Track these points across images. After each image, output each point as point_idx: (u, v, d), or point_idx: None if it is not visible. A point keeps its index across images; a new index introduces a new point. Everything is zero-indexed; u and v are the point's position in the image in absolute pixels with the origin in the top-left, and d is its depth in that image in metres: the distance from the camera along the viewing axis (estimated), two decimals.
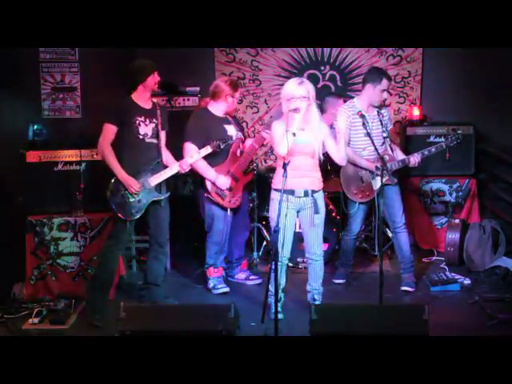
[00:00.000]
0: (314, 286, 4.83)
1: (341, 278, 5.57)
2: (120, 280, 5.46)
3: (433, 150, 5.24)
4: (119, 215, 4.73)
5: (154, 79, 4.79)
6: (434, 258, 6.15)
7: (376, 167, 5.05)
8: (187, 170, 4.91)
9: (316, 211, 4.65)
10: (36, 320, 4.74)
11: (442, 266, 5.87)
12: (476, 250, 5.77)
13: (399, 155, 5.30)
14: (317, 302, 4.77)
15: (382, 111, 5.22)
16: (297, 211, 4.70)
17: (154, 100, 4.94)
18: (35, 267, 5.26)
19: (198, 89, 6.51)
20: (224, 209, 5.26)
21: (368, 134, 4.88)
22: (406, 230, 5.33)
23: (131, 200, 4.72)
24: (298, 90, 4.50)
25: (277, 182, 4.64)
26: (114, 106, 4.88)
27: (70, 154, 5.36)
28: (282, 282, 4.75)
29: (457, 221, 5.98)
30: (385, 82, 5.17)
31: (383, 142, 5.16)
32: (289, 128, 4.48)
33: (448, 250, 5.89)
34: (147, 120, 4.77)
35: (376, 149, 4.84)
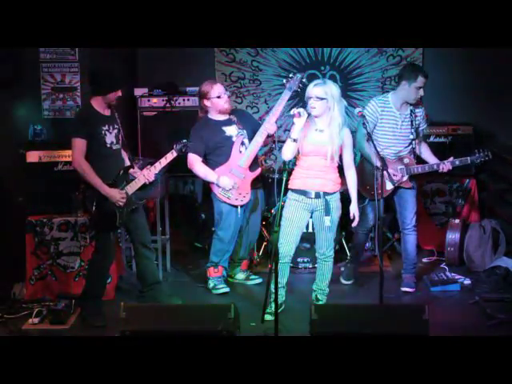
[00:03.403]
0: (320, 286, 4.84)
1: (349, 279, 5.54)
2: (120, 280, 5.46)
3: (456, 162, 5.12)
4: (106, 230, 4.73)
5: (115, 95, 4.65)
6: (434, 257, 6.15)
7: (376, 167, 5.03)
8: (153, 178, 4.83)
9: (326, 213, 4.63)
10: (36, 320, 4.74)
11: (442, 266, 5.87)
12: (476, 250, 5.78)
13: (430, 159, 5.23)
14: (320, 302, 4.78)
15: (417, 111, 5.12)
16: (310, 212, 4.71)
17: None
18: (35, 267, 5.25)
19: (197, 89, 6.50)
20: (234, 206, 5.26)
21: (368, 134, 4.85)
22: (414, 232, 5.30)
23: (116, 212, 4.68)
24: (314, 91, 4.48)
25: (291, 181, 4.69)
26: (78, 118, 4.82)
27: (70, 154, 5.33)
28: (283, 280, 4.75)
29: (457, 221, 5.97)
30: (421, 79, 5.01)
31: (409, 143, 5.11)
32: (291, 133, 4.50)
33: (448, 250, 5.89)
34: (110, 127, 4.69)
35: (376, 149, 4.81)
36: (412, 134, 5.05)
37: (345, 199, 5.96)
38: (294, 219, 4.65)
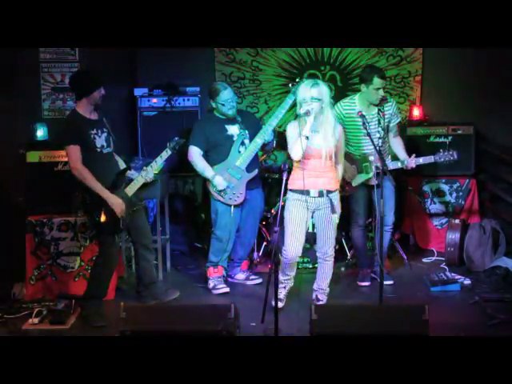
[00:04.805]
0: (321, 286, 4.85)
1: (365, 281, 5.50)
2: (120, 280, 5.46)
3: (420, 160, 5.19)
4: (111, 233, 4.74)
5: (99, 93, 4.66)
6: (434, 257, 6.15)
7: (376, 167, 5.04)
8: (151, 177, 4.88)
9: (333, 211, 4.66)
10: (36, 320, 4.74)
11: (441, 266, 5.87)
12: (476, 250, 5.77)
13: (400, 154, 5.31)
14: (320, 302, 4.78)
15: (385, 109, 5.17)
16: (312, 211, 4.72)
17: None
18: (35, 267, 5.25)
19: (198, 89, 6.52)
20: (228, 205, 5.28)
21: (368, 135, 4.86)
22: (391, 229, 5.39)
23: (119, 216, 4.69)
24: (310, 92, 4.50)
25: (291, 182, 4.70)
26: (66, 126, 4.79)
27: None
28: (292, 273, 4.84)
29: (457, 221, 5.97)
30: (376, 80, 5.07)
31: (377, 143, 5.13)
32: (302, 132, 4.50)
33: (448, 250, 5.89)
34: (98, 131, 4.70)
35: (376, 149, 4.82)
36: (379, 132, 5.08)
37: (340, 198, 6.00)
38: (297, 220, 4.66)
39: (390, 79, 6.74)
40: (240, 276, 5.66)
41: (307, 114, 4.48)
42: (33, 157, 5.35)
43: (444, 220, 6.37)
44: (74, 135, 4.61)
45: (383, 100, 5.19)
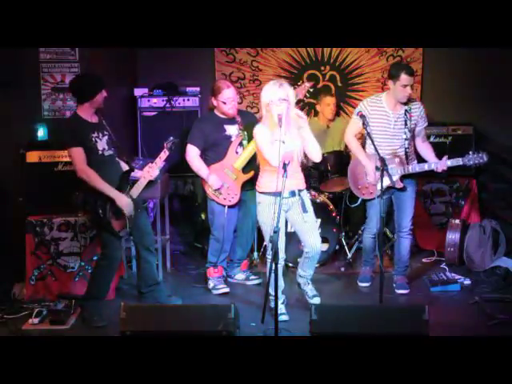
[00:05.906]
0: (310, 273, 4.83)
1: (366, 281, 5.48)
2: (120, 280, 5.46)
3: (448, 163, 4.97)
4: (118, 236, 4.73)
5: (101, 96, 4.65)
6: (434, 257, 6.15)
7: (376, 167, 5.02)
8: (155, 175, 4.85)
9: (304, 210, 4.63)
10: (36, 320, 4.73)
11: (442, 266, 5.86)
12: (476, 250, 5.77)
13: (430, 159, 5.12)
14: (310, 286, 4.81)
15: (412, 110, 5.04)
16: (286, 211, 4.68)
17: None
18: (35, 267, 5.25)
19: (198, 89, 6.52)
20: (223, 205, 5.29)
21: (368, 135, 4.85)
22: (410, 236, 5.27)
23: (126, 217, 4.68)
24: (278, 93, 4.43)
25: (263, 185, 4.64)
26: (68, 128, 4.75)
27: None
28: (281, 283, 4.74)
29: (457, 221, 5.97)
30: (404, 77, 4.93)
31: (403, 144, 5.06)
32: (276, 137, 4.39)
33: (448, 250, 5.88)
34: (99, 134, 4.68)
35: (376, 149, 4.80)
36: (405, 133, 5.02)
37: (337, 199, 6.00)
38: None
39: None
40: (240, 276, 5.66)
41: (280, 118, 4.39)
42: (33, 157, 5.35)
43: (444, 220, 6.37)
44: (76, 137, 4.59)
45: (410, 99, 5.06)
